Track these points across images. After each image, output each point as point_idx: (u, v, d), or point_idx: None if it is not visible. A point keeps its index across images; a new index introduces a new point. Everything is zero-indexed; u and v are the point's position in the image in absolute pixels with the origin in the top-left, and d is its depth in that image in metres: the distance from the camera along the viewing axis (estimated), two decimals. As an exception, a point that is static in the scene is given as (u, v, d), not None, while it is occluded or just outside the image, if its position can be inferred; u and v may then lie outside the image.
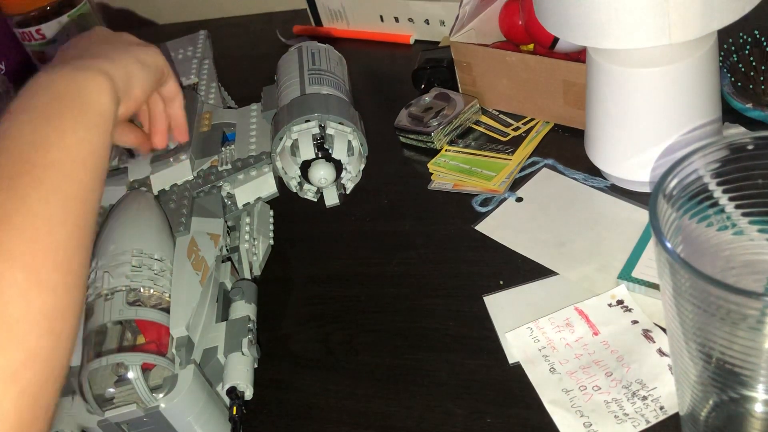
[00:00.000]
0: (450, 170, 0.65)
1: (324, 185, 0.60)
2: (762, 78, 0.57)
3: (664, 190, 0.33)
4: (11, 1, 0.88)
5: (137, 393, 0.45)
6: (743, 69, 0.59)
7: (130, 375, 0.45)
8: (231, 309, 0.54)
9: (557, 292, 0.52)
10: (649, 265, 0.50)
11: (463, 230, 0.59)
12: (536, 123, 0.67)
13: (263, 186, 0.61)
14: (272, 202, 0.64)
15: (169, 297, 0.50)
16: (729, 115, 0.58)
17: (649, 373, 0.45)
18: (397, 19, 0.86)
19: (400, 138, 0.70)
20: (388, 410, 0.48)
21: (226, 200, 0.61)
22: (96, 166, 0.38)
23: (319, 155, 0.59)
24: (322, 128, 0.60)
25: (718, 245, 0.37)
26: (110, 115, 0.41)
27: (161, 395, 0.46)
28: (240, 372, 0.49)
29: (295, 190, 0.62)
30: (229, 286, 0.56)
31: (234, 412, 0.48)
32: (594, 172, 0.60)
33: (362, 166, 0.63)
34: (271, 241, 0.63)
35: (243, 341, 0.51)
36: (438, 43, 0.81)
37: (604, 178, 0.59)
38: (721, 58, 0.57)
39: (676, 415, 0.42)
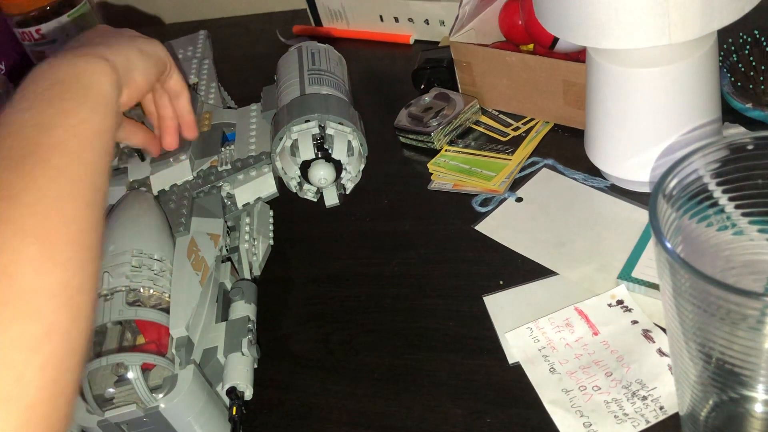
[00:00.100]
0: (450, 170, 0.65)
1: (324, 185, 0.60)
2: (762, 78, 0.57)
3: (664, 190, 0.33)
4: (11, 1, 0.88)
5: (137, 393, 0.45)
6: (743, 69, 0.59)
7: (130, 375, 0.45)
8: (231, 309, 0.54)
9: (557, 292, 0.52)
10: (649, 265, 0.50)
11: (463, 230, 0.59)
12: (536, 123, 0.67)
13: (263, 186, 0.61)
14: (272, 202, 0.64)
15: (169, 297, 0.50)
16: (729, 115, 0.58)
17: (649, 373, 0.45)
18: (397, 19, 0.86)
19: (400, 138, 0.70)
20: (388, 410, 0.48)
21: (226, 200, 0.61)
22: (101, 148, 0.38)
23: (319, 155, 0.59)
24: (322, 128, 0.60)
25: (718, 245, 0.37)
26: (112, 99, 0.41)
27: (161, 395, 0.45)
28: (240, 372, 0.49)
29: (295, 191, 0.62)
30: (229, 286, 0.56)
31: (234, 412, 0.48)
32: (594, 172, 0.60)
33: (362, 166, 0.63)
34: (271, 241, 0.63)
35: (243, 341, 0.51)
36: (438, 43, 0.81)
37: (604, 178, 0.59)
38: (721, 58, 0.57)
39: (676, 415, 0.42)
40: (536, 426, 0.44)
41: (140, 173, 0.61)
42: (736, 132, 0.57)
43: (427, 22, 0.83)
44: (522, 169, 0.62)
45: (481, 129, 0.68)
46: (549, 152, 0.63)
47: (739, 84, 0.59)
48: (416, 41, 0.85)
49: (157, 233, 0.54)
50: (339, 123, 0.60)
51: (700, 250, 0.36)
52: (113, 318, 0.46)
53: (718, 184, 0.35)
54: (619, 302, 0.49)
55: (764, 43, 0.59)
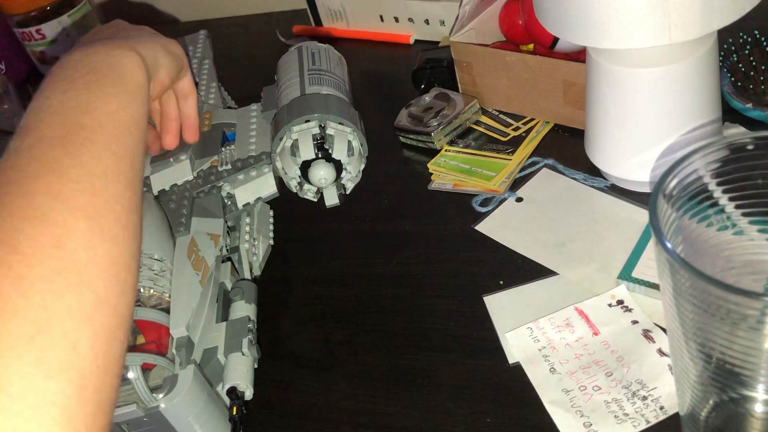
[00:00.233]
0: (450, 170, 0.65)
1: (324, 185, 0.60)
2: (762, 78, 0.57)
3: (664, 190, 0.33)
4: (11, 1, 0.88)
5: (137, 393, 0.45)
6: (743, 69, 0.59)
7: (130, 375, 0.45)
8: (231, 309, 0.54)
9: (557, 292, 0.52)
10: (649, 265, 0.50)
11: (463, 230, 0.59)
12: (536, 123, 0.67)
13: (263, 186, 0.61)
14: (272, 202, 0.64)
15: (169, 297, 0.50)
16: (729, 115, 0.58)
17: (649, 373, 0.45)
18: (397, 19, 0.86)
19: (400, 138, 0.70)
20: (388, 410, 0.48)
21: (226, 200, 0.61)
22: (138, 134, 0.39)
23: (319, 155, 0.59)
24: (322, 128, 0.60)
25: (718, 245, 0.37)
26: (146, 90, 0.42)
27: (161, 395, 0.45)
28: (240, 372, 0.49)
29: (295, 190, 0.62)
30: (229, 286, 0.56)
31: (234, 412, 0.48)
32: (594, 172, 0.60)
33: (362, 166, 0.63)
34: (271, 241, 0.63)
35: (243, 341, 0.51)
36: (438, 43, 0.81)
37: (604, 178, 0.59)
38: (721, 58, 0.57)
39: (676, 415, 0.42)
40: (536, 426, 0.44)
41: (140, 173, 0.61)
42: (736, 132, 0.57)
43: (427, 22, 0.83)
44: (522, 169, 0.62)
45: (481, 129, 0.68)
46: (549, 152, 0.63)
47: (739, 84, 0.59)
48: (416, 41, 0.85)
49: (158, 233, 0.54)
50: (339, 123, 0.60)
51: (700, 250, 0.36)
52: (113, 318, 0.46)
53: (719, 184, 0.35)
54: (620, 302, 0.49)
55: (764, 43, 0.59)
